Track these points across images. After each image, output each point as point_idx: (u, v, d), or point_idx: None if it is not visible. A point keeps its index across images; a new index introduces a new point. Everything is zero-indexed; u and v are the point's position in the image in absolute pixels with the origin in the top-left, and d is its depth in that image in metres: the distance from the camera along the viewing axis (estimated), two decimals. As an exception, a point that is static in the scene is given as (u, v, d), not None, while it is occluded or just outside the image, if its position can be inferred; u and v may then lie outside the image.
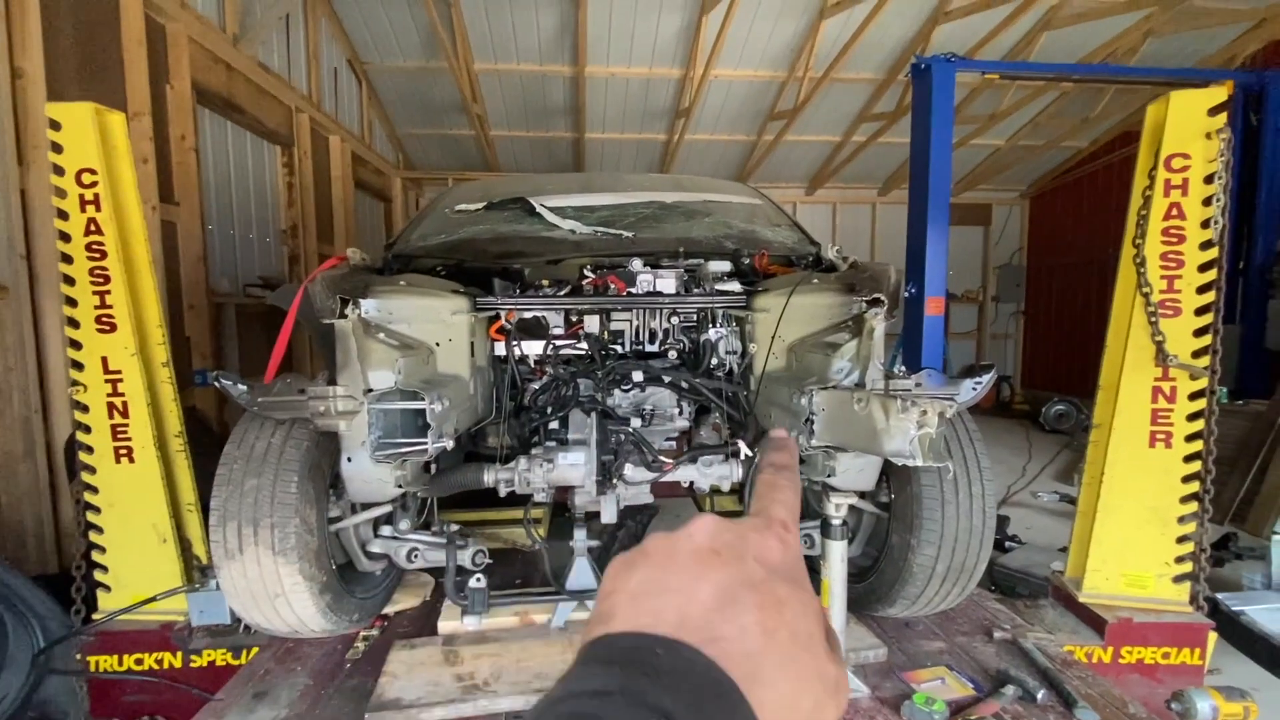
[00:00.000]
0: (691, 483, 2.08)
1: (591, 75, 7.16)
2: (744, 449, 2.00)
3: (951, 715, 1.61)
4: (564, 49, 6.88)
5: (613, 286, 2.11)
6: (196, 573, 2.40)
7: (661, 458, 2.01)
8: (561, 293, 2.15)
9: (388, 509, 2.04)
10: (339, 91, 6.87)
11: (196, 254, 4.15)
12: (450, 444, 1.74)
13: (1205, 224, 2.29)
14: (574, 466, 1.92)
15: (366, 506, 1.99)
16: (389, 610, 2.30)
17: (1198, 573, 2.40)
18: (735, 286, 2.16)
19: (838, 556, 1.70)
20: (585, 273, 2.18)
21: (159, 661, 2.32)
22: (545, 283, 2.21)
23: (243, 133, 5.10)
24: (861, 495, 1.95)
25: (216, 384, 1.77)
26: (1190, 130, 2.29)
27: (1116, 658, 2.34)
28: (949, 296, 10.17)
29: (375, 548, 2.09)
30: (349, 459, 1.69)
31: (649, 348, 2.23)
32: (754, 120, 8.14)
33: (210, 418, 4.22)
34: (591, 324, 2.19)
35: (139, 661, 2.32)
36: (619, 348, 2.22)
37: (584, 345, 2.18)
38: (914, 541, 1.81)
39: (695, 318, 2.21)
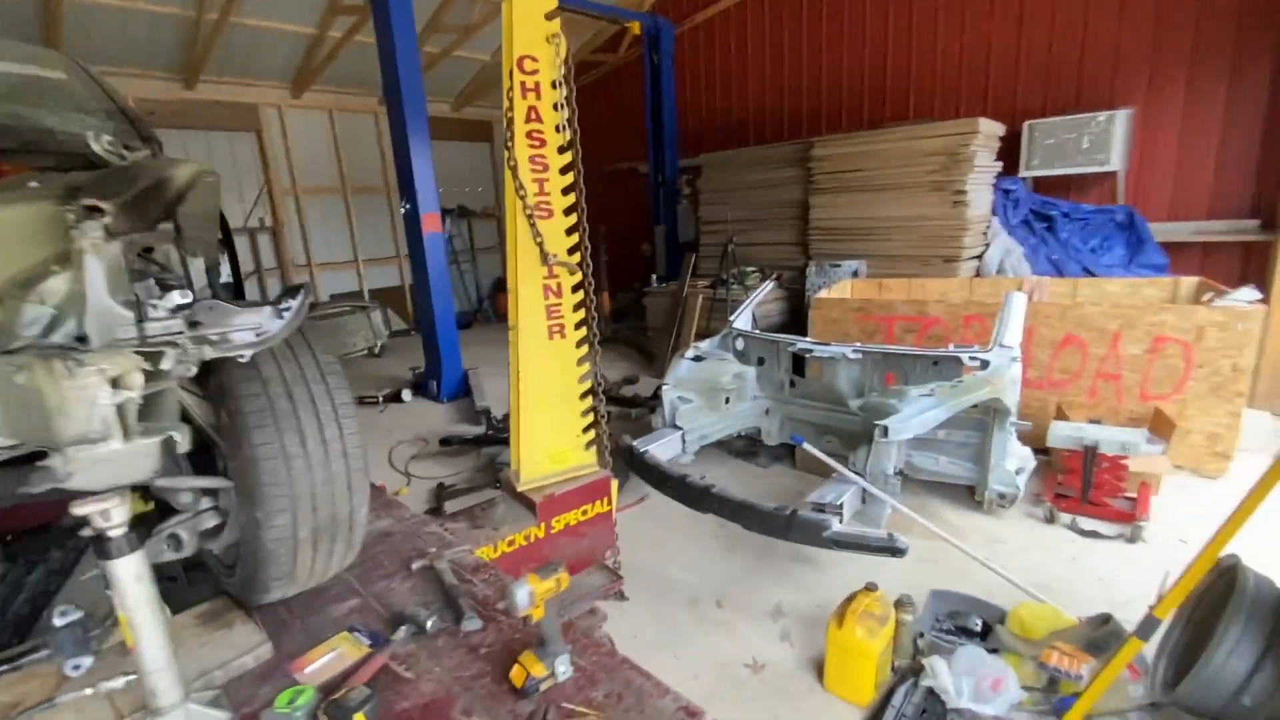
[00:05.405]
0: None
1: None
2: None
3: (324, 698, 1.39)
4: None
5: None
6: None
7: None
8: None
9: None
10: None
11: None
12: None
13: (558, 128, 2.49)
14: None
15: None
16: None
17: (599, 436, 2.84)
18: None
19: (129, 577, 1.23)
20: None
21: None
22: None
23: None
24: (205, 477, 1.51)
25: None
26: (535, 33, 2.39)
27: (549, 530, 2.64)
28: (467, 213, 10.47)
29: None
30: None
31: None
32: (179, -11, 6.17)
33: None
34: None
35: None
36: None
37: None
38: (260, 515, 1.47)
39: None
